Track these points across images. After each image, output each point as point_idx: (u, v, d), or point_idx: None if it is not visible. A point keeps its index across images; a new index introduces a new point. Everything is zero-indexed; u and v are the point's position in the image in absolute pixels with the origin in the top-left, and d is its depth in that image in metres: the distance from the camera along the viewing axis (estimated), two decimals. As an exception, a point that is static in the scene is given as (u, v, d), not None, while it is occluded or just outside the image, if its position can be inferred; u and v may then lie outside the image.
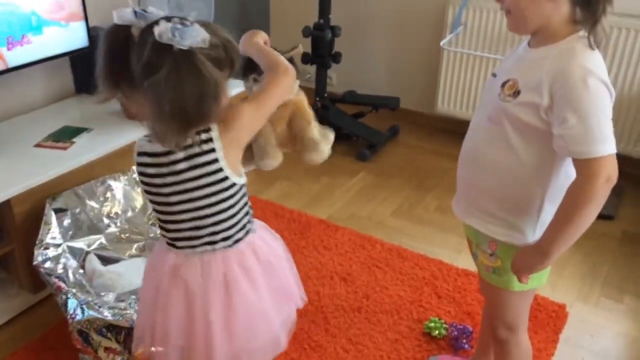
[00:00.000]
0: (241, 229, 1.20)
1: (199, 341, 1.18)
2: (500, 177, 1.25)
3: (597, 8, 1.12)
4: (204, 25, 1.08)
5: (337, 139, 3.13)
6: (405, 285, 2.11)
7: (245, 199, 1.21)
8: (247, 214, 1.22)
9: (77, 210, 1.92)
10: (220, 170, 1.12)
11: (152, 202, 1.19)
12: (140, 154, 1.15)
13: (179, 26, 1.02)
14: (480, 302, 2.01)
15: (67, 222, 1.88)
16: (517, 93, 1.18)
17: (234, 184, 1.15)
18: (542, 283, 1.35)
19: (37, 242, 1.74)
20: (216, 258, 1.17)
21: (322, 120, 3.13)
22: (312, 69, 3.54)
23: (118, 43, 1.08)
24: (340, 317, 1.96)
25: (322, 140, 1.36)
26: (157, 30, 1.01)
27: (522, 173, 1.22)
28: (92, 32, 2.30)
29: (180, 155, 1.10)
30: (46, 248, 1.74)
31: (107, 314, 1.48)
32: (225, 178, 1.13)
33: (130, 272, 1.85)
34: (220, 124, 1.11)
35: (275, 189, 2.74)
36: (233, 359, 1.22)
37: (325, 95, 3.17)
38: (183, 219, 1.16)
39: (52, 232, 1.80)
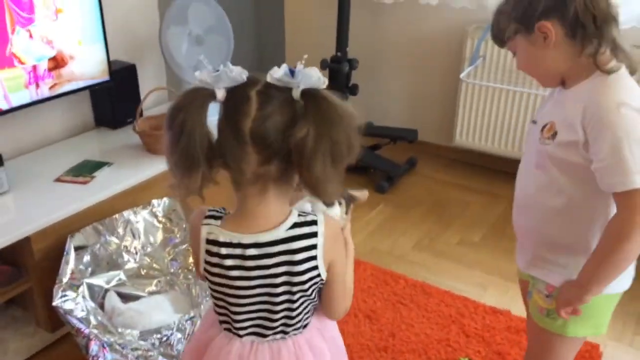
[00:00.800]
0: (310, 311, 1.10)
1: None
2: (557, 223, 1.21)
3: (588, 29, 1.09)
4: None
5: (354, 171, 3.14)
6: (431, 323, 2.05)
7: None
8: (318, 293, 1.09)
9: (97, 246, 1.89)
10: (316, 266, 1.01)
11: (217, 291, 1.03)
12: (212, 242, 0.99)
13: (295, 68, 0.92)
14: (510, 341, 1.94)
15: (86, 258, 1.84)
16: (555, 134, 1.16)
17: None
18: (601, 332, 1.29)
19: (57, 280, 1.70)
20: (287, 344, 1.07)
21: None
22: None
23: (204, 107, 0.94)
24: (366, 357, 1.90)
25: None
26: (274, 74, 0.92)
27: (578, 215, 1.19)
28: (113, 66, 2.30)
29: (276, 249, 0.98)
30: (66, 287, 1.69)
31: (131, 357, 1.43)
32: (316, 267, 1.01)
33: (150, 310, 1.81)
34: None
35: (294, 222, 2.70)
36: None
37: (342, 127, 3.15)
38: (256, 309, 1.03)
39: (72, 270, 1.75)
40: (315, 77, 0.92)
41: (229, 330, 1.08)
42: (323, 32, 3.34)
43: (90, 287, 1.82)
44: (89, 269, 1.85)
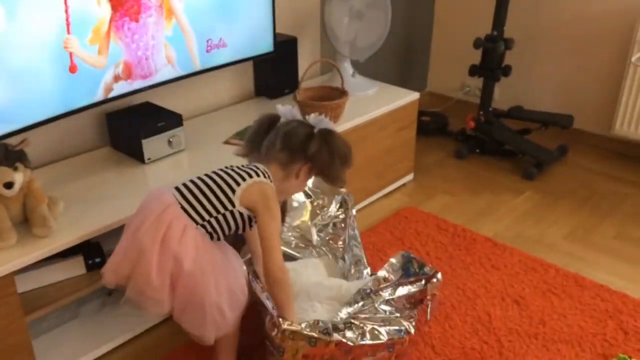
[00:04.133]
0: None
1: None
2: None
3: None
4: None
5: (499, 155, 3.06)
6: (585, 315, 1.96)
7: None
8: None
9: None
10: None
11: None
12: None
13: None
14: (678, 344, 1.81)
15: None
16: None
17: None
18: None
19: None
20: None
21: (485, 135, 3.05)
22: (473, 82, 3.45)
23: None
24: (515, 341, 1.86)
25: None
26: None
27: None
28: (277, 39, 2.41)
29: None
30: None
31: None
32: None
33: (305, 270, 1.89)
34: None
35: (436, 201, 2.69)
36: None
37: (490, 109, 3.06)
38: None
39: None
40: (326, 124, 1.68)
41: None
42: (476, 10, 3.25)
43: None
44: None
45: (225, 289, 1.52)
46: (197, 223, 1.49)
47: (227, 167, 1.60)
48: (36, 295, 1.68)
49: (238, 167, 1.59)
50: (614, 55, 2.91)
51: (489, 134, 3.01)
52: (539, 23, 3.14)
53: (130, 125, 2.04)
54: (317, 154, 1.60)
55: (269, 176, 1.58)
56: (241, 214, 1.52)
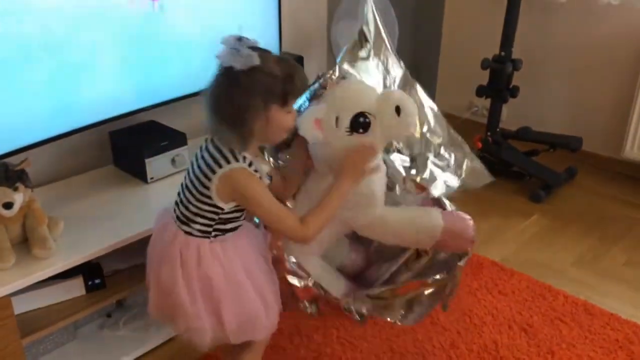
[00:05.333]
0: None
1: None
2: None
3: None
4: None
5: (507, 177, 3.01)
6: (595, 345, 1.90)
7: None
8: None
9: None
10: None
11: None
12: None
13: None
14: (691, 378, 1.75)
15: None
16: None
17: None
18: None
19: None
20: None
21: (492, 156, 3.01)
22: (481, 102, 3.43)
23: None
24: (523, 371, 1.81)
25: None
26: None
27: None
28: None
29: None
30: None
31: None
32: None
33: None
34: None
35: (442, 223, 2.64)
36: None
37: (498, 130, 3.03)
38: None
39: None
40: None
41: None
42: (484, 31, 3.23)
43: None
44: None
45: (267, 281, 1.45)
46: (207, 238, 1.40)
47: (193, 163, 1.39)
48: (34, 316, 1.66)
49: (203, 158, 1.36)
50: (623, 77, 2.88)
51: (497, 155, 2.97)
52: (548, 44, 3.12)
53: (133, 144, 2.02)
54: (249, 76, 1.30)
55: (230, 152, 1.32)
56: (237, 206, 1.38)
